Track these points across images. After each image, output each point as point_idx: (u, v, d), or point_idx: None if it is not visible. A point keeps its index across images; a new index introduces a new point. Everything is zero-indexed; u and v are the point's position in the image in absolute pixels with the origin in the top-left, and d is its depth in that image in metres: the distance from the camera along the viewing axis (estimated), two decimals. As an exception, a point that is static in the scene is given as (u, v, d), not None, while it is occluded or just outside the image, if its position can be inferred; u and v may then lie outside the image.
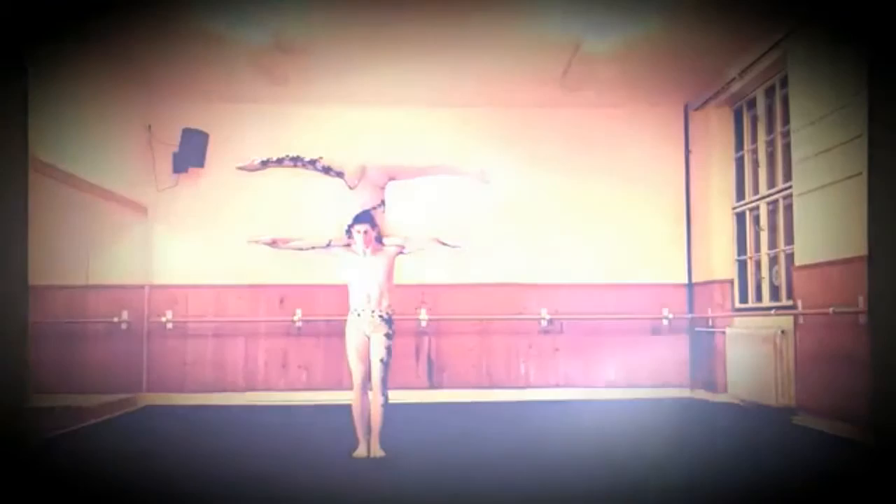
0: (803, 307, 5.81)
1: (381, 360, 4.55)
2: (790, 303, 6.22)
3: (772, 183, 6.86)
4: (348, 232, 4.60)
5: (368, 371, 4.60)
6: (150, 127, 7.76)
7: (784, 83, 6.40)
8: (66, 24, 5.68)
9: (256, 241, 4.81)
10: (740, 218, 7.47)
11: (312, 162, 4.77)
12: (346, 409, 4.69)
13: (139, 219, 7.67)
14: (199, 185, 7.84)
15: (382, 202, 4.73)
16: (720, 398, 7.27)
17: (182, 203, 7.84)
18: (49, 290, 5.83)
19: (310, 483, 3.96)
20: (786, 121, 6.39)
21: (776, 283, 6.77)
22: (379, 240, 4.64)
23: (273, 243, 4.79)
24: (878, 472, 2.71)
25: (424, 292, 7.83)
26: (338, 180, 4.82)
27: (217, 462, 4.60)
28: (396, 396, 4.97)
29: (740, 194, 7.49)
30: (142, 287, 7.71)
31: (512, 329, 7.93)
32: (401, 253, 4.69)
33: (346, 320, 4.67)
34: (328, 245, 4.71)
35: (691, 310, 7.99)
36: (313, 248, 4.75)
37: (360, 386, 4.60)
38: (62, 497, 3.73)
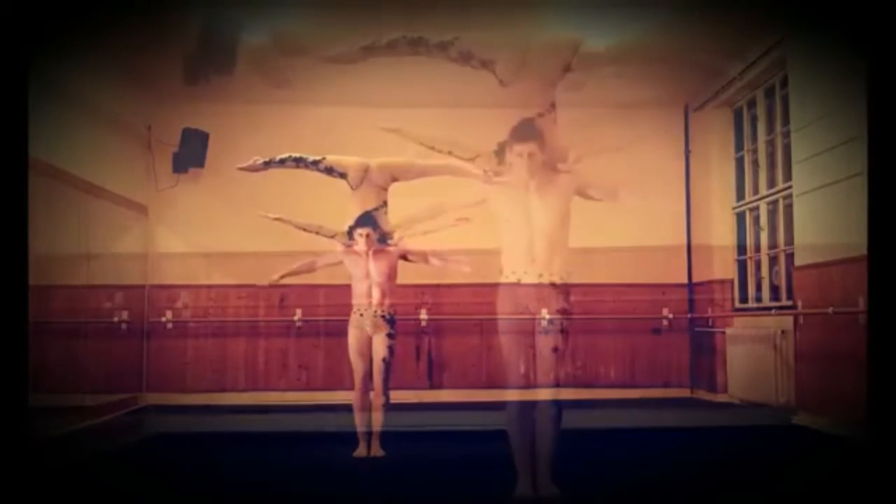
0: (803, 307, 5.81)
1: (383, 360, 4.56)
2: (790, 303, 6.21)
3: (772, 183, 6.86)
4: (350, 234, 4.60)
5: (370, 370, 4.60)
6: (150, 127, 7.75)
7: (784, 83, 6.40)
8: (67, 24, 5.67)
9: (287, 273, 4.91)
10: (740, 218, 7.47)
11: (315, 162, 4.75)
12: (347, 409, 4.69)
13: (139, 219, 7.66)
14: (199, 185, 7.83)
15: (385, 203, 4.72)
16: (720, 398, 7.27)
17: (182, 203, 7.82)
18: (49, 289, 5.83)
19: (310, 483, 3.96)
20: (786, 121, 6.38)
21: (776, 283, 6.77)
22: (382, 241, 4.63)
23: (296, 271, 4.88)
24: (877, 472, 2.71)
25: (424, 292, 7.83)
26: (340, 181, 4.80)
27: (216, 462, 4.60)
28: (397, 396, 4.97)
29: (740, 194, 7.48)
30: (142, 287, 7.71)
31: (512, 329, 7.90)
32: (403, 257, 4.69)
33: (347, 320, 4.68)
34: (333, 237, 4.72)
35: (691, 310, 7.99)
36: (319, 230, 4.77)
37: (361, 385, 4.61)
38: (62, 497, 3.73)
